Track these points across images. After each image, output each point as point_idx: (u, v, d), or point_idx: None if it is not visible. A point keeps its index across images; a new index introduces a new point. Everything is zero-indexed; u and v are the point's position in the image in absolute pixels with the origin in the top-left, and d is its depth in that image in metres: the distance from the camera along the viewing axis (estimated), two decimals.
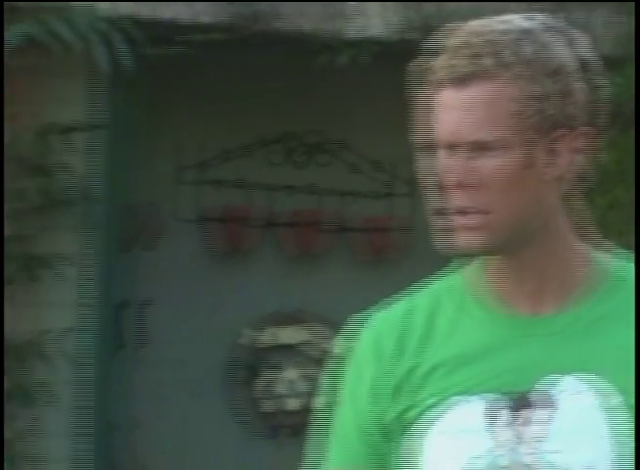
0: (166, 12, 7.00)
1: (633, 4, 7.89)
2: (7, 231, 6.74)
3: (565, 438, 2.22)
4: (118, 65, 6.68)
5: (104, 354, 6.95)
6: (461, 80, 2.12)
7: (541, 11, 5.95)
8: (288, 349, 7.82)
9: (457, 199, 2.17)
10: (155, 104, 7.07)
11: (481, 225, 2.20)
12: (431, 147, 2.12)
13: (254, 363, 7.73)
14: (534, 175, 2.20)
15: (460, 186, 2.15)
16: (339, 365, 2.31)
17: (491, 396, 2.24)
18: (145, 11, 6.98)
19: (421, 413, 2.22)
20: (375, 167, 7.80)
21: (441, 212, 2.12)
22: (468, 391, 2.25)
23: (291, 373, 7.84)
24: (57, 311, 6.73)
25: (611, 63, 6.23)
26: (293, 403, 7.97)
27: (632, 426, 2.20)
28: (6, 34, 6.71)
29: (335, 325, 7.21)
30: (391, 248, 7.82)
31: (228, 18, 7.13)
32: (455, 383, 2.26)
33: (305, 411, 7.39)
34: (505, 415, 2.23)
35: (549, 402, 2.24)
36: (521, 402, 2.23)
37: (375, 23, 7.30)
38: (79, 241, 6.79)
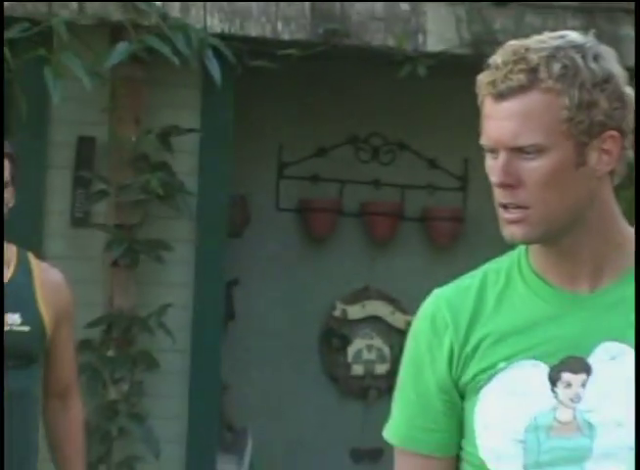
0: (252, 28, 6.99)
1: None
2: (133, 219, 6.85)
3: (616, 395, 2.46)
4: (226, 76, 6.68)
5: (217, 325, 7.05)
6: (504, 92, 2.36)
7: (573, 27, 6.16)
8: (375, 319, 7.73)
9: (501, 196, 2.41)
10: (256, 109, 7.18)
11: (521, 219, 2.42)
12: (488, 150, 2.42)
13: (346, 333, 7.71)
14: (587, 172, 2.41)
15: (502, 185, 2.39)
16: (417, 335, 2.60)
17: (554, 360, 2.46)
18: (235, 30, 6.97)
19: (492, 375, 2.48)
20: (447, 165, 7.75)
21: (497, 206, 2.41)
22: (533, 356, 2.48)
23: (377, 341, 7.78)
24: (176, 289, 6.91)
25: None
26: (380, 368, 7.81)
27: None
28: (119, 49, 6.61)
29: (412, 300, 7.44)
30: (445, 233, 7.80)
31: (317, 34, 6.92)
32: (522, 349, 2.49)
33: (391, 375, 7.63)
34: (566, 377, 2.47)
35: (602, 364, 2.46)
36: (579, 366, 2.46)
37: (449, 37, 7.13)
38: (196, 228, 6.95)
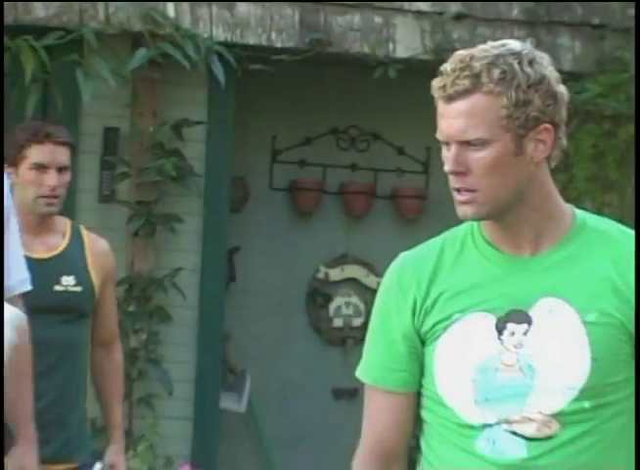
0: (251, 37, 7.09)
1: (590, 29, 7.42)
2: (150, 196, 7.02)
3: (553, 342, 2.60)
4: (228, 77, 6.83)
5: (220, 286, 7.23)
6: (452, 95, 2.51)
7: (518, 37, 6.48)
8: (352, 281, 7.87)
9: (454, 181, 2.55)
10: (254, 105, 7.33)
11: (471, 200, 2.56)
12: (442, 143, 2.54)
13: (328, 292, 7.87)
14: (525, 159, 2.54)
15: (453, 172, 2.53)
16: (386, 290, 2.75)
17: (501, 312, 2.60)
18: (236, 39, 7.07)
19: (448, 325, 2.62)
20: (413, 152, 7.92)
21: (452, 190, 2.54)
22: (484, 309, 2.61)
23: (354, 299, 7.88)
24: (182, 256, 7.09)
25: (575, 75, 6.59)
26: (356, 321, 7.83)
27: (587, 335, 2.57)
28: (139, 54, 6.77)
29: (383, 265, 7.63)
30: (412, 209, 7.93)
31: (305, 43, 7.03)
32: (474, 303, 2.62)
33: (365, 327, 7.76)
34: (510, 327, 2.60)
35: (541, 316, 2.61)
36: (522, 318, 2.60)
37: (414, 45, 7.21)
38: (203, 204, 7.12)
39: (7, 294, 3.99)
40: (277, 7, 7.12)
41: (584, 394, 2.60)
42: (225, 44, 6.93)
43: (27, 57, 6.61)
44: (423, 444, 2.77)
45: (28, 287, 4.17)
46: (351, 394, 7.69)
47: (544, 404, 2.60)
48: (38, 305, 4.58)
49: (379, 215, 7.89)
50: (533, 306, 2.63)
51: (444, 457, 2.70)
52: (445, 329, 2.64)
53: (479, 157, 2.53)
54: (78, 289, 4.90)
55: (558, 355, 2.61)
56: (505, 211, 2.60)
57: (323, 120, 7.67)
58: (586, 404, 2.60)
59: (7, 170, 4.80)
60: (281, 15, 7.12)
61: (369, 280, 7.87)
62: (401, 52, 7.23)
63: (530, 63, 2.56)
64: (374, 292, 7.23)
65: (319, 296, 7.85)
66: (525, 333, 2.62)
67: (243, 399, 7.43)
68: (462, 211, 2.59)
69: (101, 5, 6.92)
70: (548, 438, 2.61)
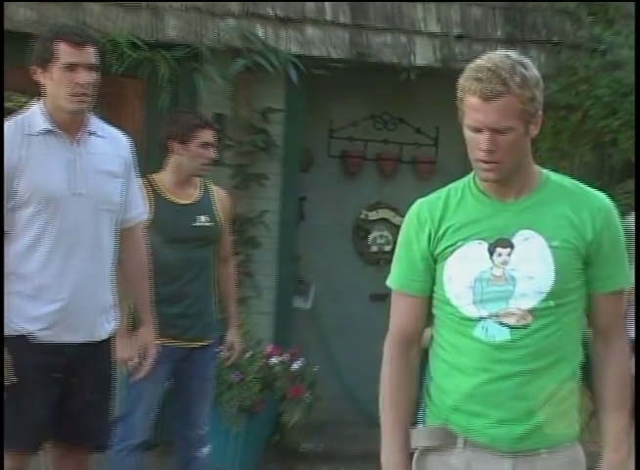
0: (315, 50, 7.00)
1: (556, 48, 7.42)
2: (246, 161, 6.93)
3: (528, 260, 2.71)
4: (300, 79, 6.85)
5: (293, 222, 7.25)
6: (490, 96, 2.58)
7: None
8: (384, 220, 7.75)
9: (484, 156, 2.66)
10: (317, 98, 7.22)
11: (494, 169, 2.68)
12: (469, 128, 2.66)
13: (367, 227, 7.78)
14: (528, 137, 2.67)
15: (487, 150, 2.64)
16: (408, 225, 2.90)
17: (491, 240, 2.74)
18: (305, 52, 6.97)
19: (454, 249, 2.77)
20: (427, 131, 7.82)
21: (475, 160, 2.68)
22: (479, 238, 2.74)
23: (385, 232, 7.73)
24: (267, 202, 7.06)
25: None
26: (387, 247, 7.63)
27: (552, 255, 2.69)
28: (238, 63, 6.66)
29: (404, 208, 7.61)
30: (426, 171, 7.81)
31: (353, 55, 7.02)
32: (472, 234, 2.75)
33: (393, 252, 7.61)
34: (498, 250, 2.73)
35: (520, 242, 2.73)
36: (506, 243, 2.73)
37: (429, 57, 7.22)
38: (282, 166, 7.11)
39: (130, 222, 4.08)
40: (333, 30, 7.08)
41: (550, 296, 2.71)
42: (297, 56, 6.90)
43: (162, 65, 6.58)
44: (434, 332, 2.88)
45: (145, 217, 4.26)
46: (383, 298, 7.28)
47: (522, 303, 2.72)
48: (183, 235, 4.94)
49: (402, 175, 7.80)
50: (514, 236, 2.75)
51: (450, 341, 2.82)
52: (452, 252, 2.78)
53: (506, 139, 2.62)
54: (210, 224, 5.05)
55: (531, 270, 2.71)
56: (511, 173, 2.71)
57: (364, 109, 7.62)
58: (551, 303, 2.72)
59: (177, 147, 5.04)
60: (336, 35, 7.10)
61: (396, 220, 7.67)
62: (419, 61, 7.21)
63: (527, 67, 2.66)
64: (399, 227, 7.28)
65: (361, 230, 7.78)
66: (509, 254, 2.73)
67: (309, 300, 7.45)
68: (485, 175, 2.72)
69: (213, 27, 6.81)
70: (525, 326, 2.72)
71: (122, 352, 4.44)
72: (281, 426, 6.72)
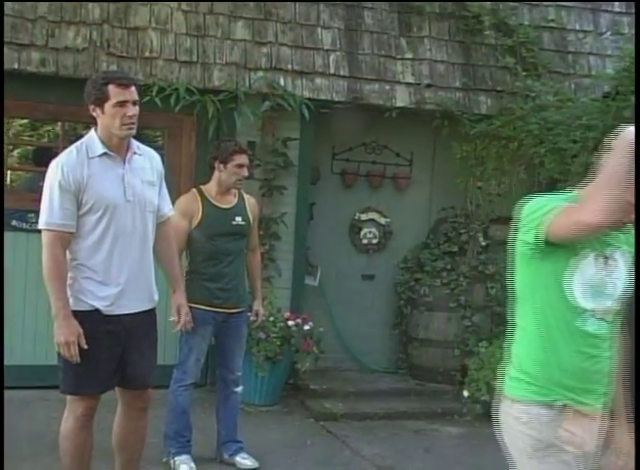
0: (322, 95, 6.91)
1: None
2: (270, 176, 6.84)
3: (622, 273, 2.63)
4: (310, 115, 6.80)
5: (305, 222, 7.12)
6: None
7: (457, 97, 6.07)
8: (373, 220, 7.58)
9: None
10: (323, 130, 7.10)
11: None
12: None
13: (360, 226, 7.57)
14: None
15: None
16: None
17: (604, 253, 2.62)
18: (314, 96, 6.91)
19: (580, 260, 2.59)
20: (404, 154, 7.62)
21: None
22: (596, 252, 2.61)
23: (373, 230, 7.58)
24: (286, 206, 6.99)
25: (488, 117, 6.33)
26: (374, 241, 7.59)
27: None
28: (265, 104, 6.62)
29: (388, 212, 7.57)
30: (403, 184, 7.61)
31: (350, 98, 6.94)
32: (591, 248, 2.59)
33: (379, 244, 7.72)
34: (604, 262, 2.63)
35: (618, 259, 2.64)
36: (610, 257, 2.63)
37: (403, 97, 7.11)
38: (297, 179, 7.05)
39: (162, 218, 4.02)
40: (336, 80, 7.01)
41: (617, 301, 2.67)
42: (308, 99, 6.86)
43: (210, 105, 6.56)
44: (541, 317, 2.66)
45: (171, 214, 4.16)
46: (371, 277, 7.66)
47: (614, 304, 2.66)
48: (224, 231, 5.00)
49: (386, 187, 7.68)
50: (616, 252, 2.65)
51: (561, 327, 2.64)
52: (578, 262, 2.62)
53: None
54: (243, 223, 5.09)
55: (621, 281, 2.65)
56: None
57: (358, 138, 7.53)
58: (617, 306, 2.68)
59: (219, 166, 5.05)
60: (337, 84, 7.04)
61: (381, 220, 7.64)
62: (399, 103, 7.15)
63: None
64: (383, 226, 7.61)
65: (355, 227, 7.67)
66: (614, 266, 2.64)
67: (316, 279, 7.38)
68: None
69: (247, 77, 6.78)
70: (611, 321, 2.67)
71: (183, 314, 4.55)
72: (295, 371, 6.77)
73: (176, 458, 5.02)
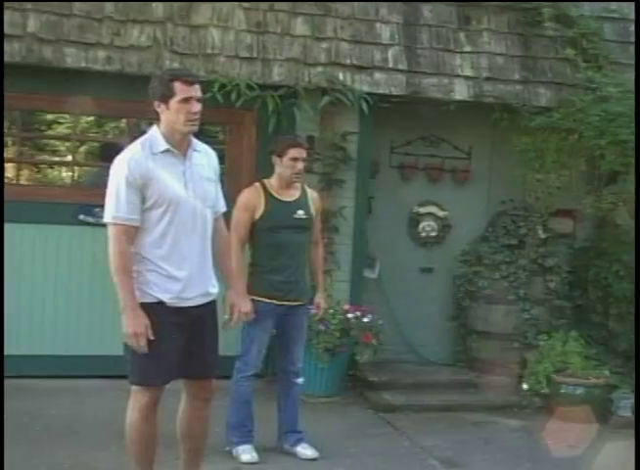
0: (381, 89, 6.87)
1: None
2: (329, 170, 6.82)
3: None
4: (369, 109, 6.80)
5: (364, 214, 7.10)
6: None
7: (517, 89, 6.00)
8: (431, 214, 7.51)
9: None
10: (381, 124, 7.07)
11: None
12: None
13: (418, 219, 7.52)
14: None
15: None
16: None
17: None
18: (373, 90, 6.87)
19: None
20: (462, 147, 7.57)
21: None
22: None
23: (432, 223, 7.53)
24: (345, 200, 6.98)
25: (548, 109, 6.24)
26: (432, 233, 7.56)
27: None
28: (324, 99, 6.60)
29: (447, 205, 7.53)
30: (461, 177, 7.54)
31: (408, 91, 6.89)
32: None
33: (438, 237, 7.50)
34: None
35: None
36: None
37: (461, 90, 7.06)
38: (356, 173, 7.02)
39: (217, 213, 4.03)
40: (394, 74, 6.98)
41: None
42: (367, 93, 6.84)
43: (270, 101, 6.58)
44: None
45: (224, 210, 4.16)
46: (429, 270, 7.62)
47: None
48: (287, 224, 5.01)
49: (444, 180, 7.62)
50: None
51: None
52: None
53: None
54: (305, 216, 5.11)
55: None
56: None
57: (416, 132, 7.48)
58: None
59: (277, 160, 5.10)
60: (396, 78, 7.00)
61: (439, 213, 7.61)
62: (457, 97, 7.10)
63: None
64: (442, 219, 7.53)
65: (413, 221, 7.62)
66: None
67: (375, 271, 7.36)
68: None
69: (306, 72, 6.77)
70: None
71: (244, 306, 4.64)
72: (355, 363, 6.74)
73: (238, 447, 5.07)
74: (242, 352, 5.08)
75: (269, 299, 4.99)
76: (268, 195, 5.06)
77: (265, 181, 5.16)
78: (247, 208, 5.00)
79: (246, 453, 5.03)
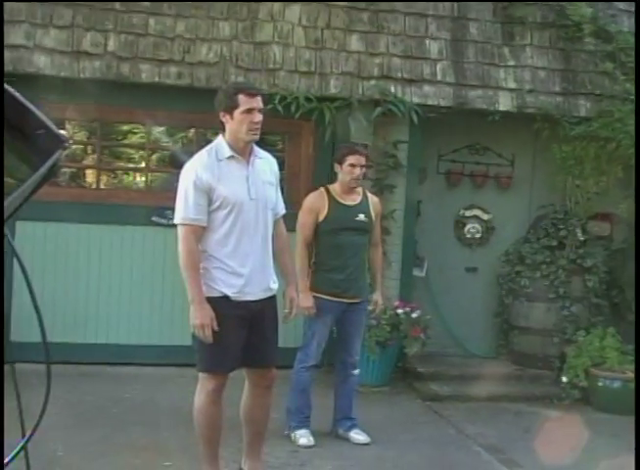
0: (430, 101, 6.86)
1: None
2: (381, 176, 6.76)
3: None
4: (419, 120, 6.72)
5: (412, 218, 7.01)
6: None
7: (557, 101, 5.89)
8: (476, 217, 7.45)
9: None
10: (430, 133, 7.00)
11: None
12: None
13: (464, 221, 7.43)
14: None
15: None
16: None
17: None
18: (423, 101, 6.84)
19: None
20: (506, 155, 7.47)
21: None
22: None
23: (476, 225, 7.45)
24: (396, 204, 6.85)
25: (588, 119, 6.19)
26: (477, 235, 7.48)
27: None
28: (377, 110, 6.54)
29: (491, 208, 7.45)
30: (505, 183, 7.43)
31: (455, 103, 6.88)
32: None
33: (482, 238, 7.59)
34: None
35: None
36: None
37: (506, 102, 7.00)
38: (405, 179, 6.94)
39: (277, 215, 4.03)
40: (442, 87, 6.95)
41: None
42: (417, 104, 6.81)
43: (327, 112, 6.57)
44: None
45: (284, 212, 4.14)
46: (474, 270, 7.56)
47: None
48: (348, 226, 4.97)
49: (488, 186, 7.56)
50: None
51: None
52: None
53: None
54: (366, 220, 5.06)
55: None
56: None
57: (462, 141, 7.43)
58: None
59: (337, 166, 5.05)
60: (444, 90, 6.98)
61: (484, 216, 7.55)
62: (501, 108, 7.04)
63: None
64: (486, 222, 7.44)
65: (459, 223, 7.57)
66: None
67: (423, 270, 7.32)
68: None
69: (360, 85, 6.77)
70: None
71: (306, 301, 4.73)
72: (404, 355, 6.74)
73: (296, 432, 5.08)
74: (303, 345, 5.09)
75: (330, 296, 4.97)
76: (332, 199, 5.04)
77: (329, 186, 5.15)
78: (311, 210, 4.99)
79: (303, 437, 5.03)
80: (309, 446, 4.99)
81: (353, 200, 5.08)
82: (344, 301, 5.01)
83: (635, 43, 6.52)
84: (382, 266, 5.49)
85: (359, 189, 5.11)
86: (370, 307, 5.31)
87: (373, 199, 5.23)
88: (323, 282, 4.96)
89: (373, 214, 5.13)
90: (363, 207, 5.09)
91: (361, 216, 5.03)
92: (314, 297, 4.86)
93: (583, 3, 7.23)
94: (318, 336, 5.01)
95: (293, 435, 5.07)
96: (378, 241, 5.29)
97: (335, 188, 5.10)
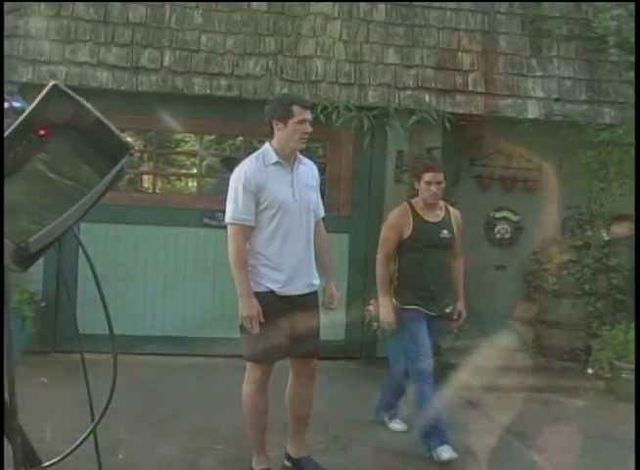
0: (462, 109, 6.82)
1: None
2: (410, 180, 7.02)
3: None
4: (452, 127, 6.67)
5: None
6: None
7: (583, 110, 5.87)
8: (504, 218, 7.39)
9: None
10: (461, 140, 6.99)
11: None
12: None
13: (494, 222, 7.41)
14: None
15: None
16: None
17: None
18: (454, 110, 6.79)
19: None
20: (534, 160, 7.40)
21: None
22: None
23: (505, 226, 7.37)
24: None
25: (612, 126, 6.07)
26: (507, 235, 7.43)
27: None
28: (410, 119, 6.48)
29: (519, 210, 7.36)
30: (532, 186, 7.39)
31: (484, 111, 6.78)
32: None
33: (512, 239, 7.50)
34: None
35: None
36: None
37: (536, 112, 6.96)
38: None
39: (317, 217, 3.99)
40: (474, 96, 6.91)
41: None
42: (450, 113, 6.78)
43: (365, 120, 6.60)
44: None
45: (324, 214, 4.10)
46: (504, 268, 7.51)
47: None
48: (432, 243, 4.67)
49: (517, 189, 7.50)
50: None
51: None
52: None
53: None
54: (449, 236, 4.77)
55: None
56: None
57: (492, 147, 7.36)
58: None
59: (415, 183, 4.81)
60: (475, 99, 6.94)
61: (513, 217, 7.51)
62: (530, 116, 6.98)
63: None
64: (515, 222, 7.34)
65: (490, 224, 7.53)
66: None
67: None
68: None
69: (396, 95, 6.78)
70: None
71: (387, 317, 4.63)
72: (438, 348, 6.44)
73: (439, 448, 4.65)
74: (410, 359, 4.67)
75: (416, 306, 4.66)
76: (416, 215, 4.73)
77: (412, 201, 4.86)
78: (395, 227, 4.71)
79: (446, 452, 4.58)
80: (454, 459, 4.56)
81: (436, 215, 4.78)
82: (431, 314, 4.71)
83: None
84: (462, 277, 5.01)
85: (441, 203, 4.82)
86: (454, 317, 4.95)
87: (455, 213, 4.90)
88: (405, 297, 4.68)
89: (455, 229, 4.83)
90: (446, 222, 4.79)
91: (445, 233, 4.73)
92: (402, 309, 4.62)
93: (607, 16, 7.13)
94: (419, 340, 4.60)
95: (435, 454, 4.62)
96: (459, 253, 4.93)
97: (417, 203, 4.79)
